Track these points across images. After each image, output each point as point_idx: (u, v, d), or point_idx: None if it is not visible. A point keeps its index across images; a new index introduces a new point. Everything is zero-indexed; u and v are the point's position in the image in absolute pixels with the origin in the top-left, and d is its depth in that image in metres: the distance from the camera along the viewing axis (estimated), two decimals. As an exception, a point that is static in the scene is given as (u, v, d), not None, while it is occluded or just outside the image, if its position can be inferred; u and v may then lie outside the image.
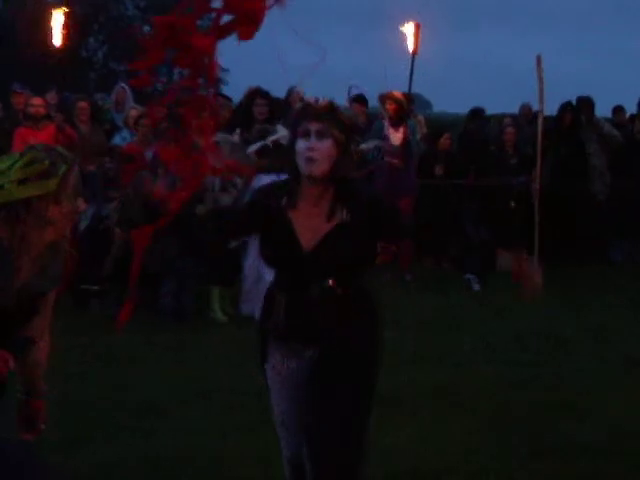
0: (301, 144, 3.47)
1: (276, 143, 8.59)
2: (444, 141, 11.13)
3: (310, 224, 3.50)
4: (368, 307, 3.62)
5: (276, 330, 3.58)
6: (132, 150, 9.37)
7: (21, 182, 2.89)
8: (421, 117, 12.40)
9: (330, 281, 3.48)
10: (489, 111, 13.53)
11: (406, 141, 9.90)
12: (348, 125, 3.56)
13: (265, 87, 10.00)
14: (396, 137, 9.90)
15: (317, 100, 3.65)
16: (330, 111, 3.50)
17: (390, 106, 10.07)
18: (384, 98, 10.23)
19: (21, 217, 2.92)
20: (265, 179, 8.06)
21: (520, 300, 9.06)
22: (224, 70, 30.44)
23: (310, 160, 3.44)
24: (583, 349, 7.52)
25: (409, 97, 10.30)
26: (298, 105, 3.58)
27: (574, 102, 12.09)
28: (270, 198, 3.59)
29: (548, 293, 9.32)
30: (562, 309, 8.91)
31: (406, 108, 10.13)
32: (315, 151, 3.43)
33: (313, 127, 3.45)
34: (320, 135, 3.44)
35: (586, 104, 12.11)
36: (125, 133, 10.50)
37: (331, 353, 3.49)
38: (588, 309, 9.03)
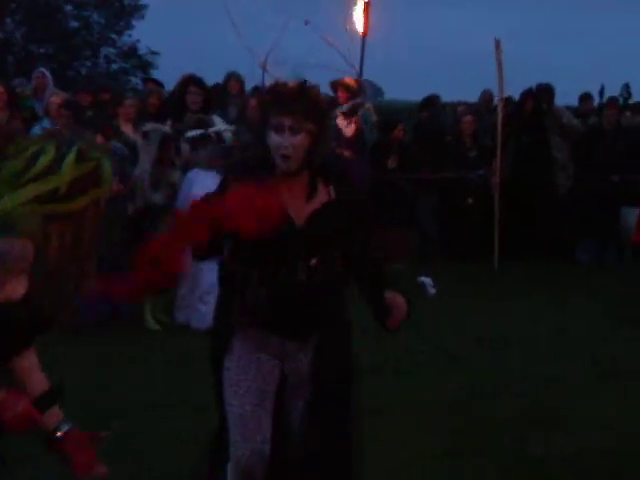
0: (274, 139, 3.52)
1: (216, 135, 8.37)
2: (397, 132, 10.88)
3: (293, 204, 3.57)
4: (343, 296, 3.73)
5: (249, 314, 3.59)
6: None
7: (73, 183, 2.64)
8: (369, 105, 12.17)
9: (314, 260, 3.57)
10: (446, 98, 13.37)
11: (358, 132, 9.68)
12: (322, 108, 3.61)
13: (200, 72, 9.69)
14: (348, 128, 9.67)
15: (285, 82, 3.57)
16: (301, 97, 3.52)
17: (342, 94, 9.84)
18: (336, 85, 10.00)
19: (75, 224, 2.70)
20: (203, 174, 7.83)
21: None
22: (154, 53, 29.99)
23: (285, 157, 3.51)
24: (549, 353, 7.46)
25: (360, 84, 10.07)
26: (269, 85, 3.47)
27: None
28: (252, 172, 3.59)
29: (514, 295, 9.32)
30: (530, 311, 8.86)
31: (358, 96, 9.91)
32: (289, 148, 3.50)
33: (287, 122, 3.49)
34: (294, 130, 3.49)
35: (546, 92, 12.01)
36: (46, 123, 10.08)
37: (319, 346, 3.63)
38: (554, 311, 8.94)
